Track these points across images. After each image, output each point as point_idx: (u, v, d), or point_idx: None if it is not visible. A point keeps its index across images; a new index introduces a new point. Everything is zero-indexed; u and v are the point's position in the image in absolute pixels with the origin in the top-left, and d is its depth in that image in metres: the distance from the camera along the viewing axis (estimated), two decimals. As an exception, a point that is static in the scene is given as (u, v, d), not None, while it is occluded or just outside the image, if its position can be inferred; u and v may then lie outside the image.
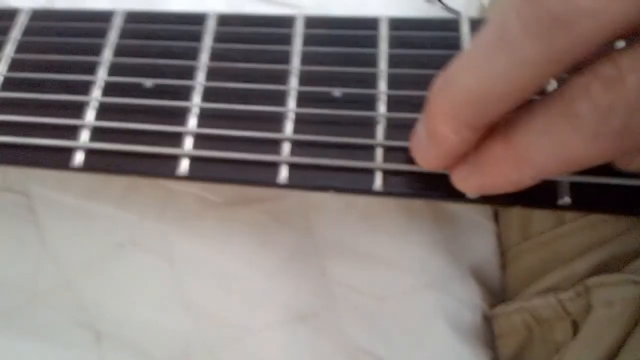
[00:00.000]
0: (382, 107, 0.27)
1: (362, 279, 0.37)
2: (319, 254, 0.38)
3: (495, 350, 0.37)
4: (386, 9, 0.43)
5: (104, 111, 0.28)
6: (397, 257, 0.38)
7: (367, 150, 0.26)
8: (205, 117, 0.28)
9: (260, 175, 0.27)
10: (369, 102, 0.28)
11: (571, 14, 0.17)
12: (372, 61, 0.29)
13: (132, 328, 0.36)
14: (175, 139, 0.27)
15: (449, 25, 0.30)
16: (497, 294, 0.39)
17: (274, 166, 0.27)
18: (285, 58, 0.29)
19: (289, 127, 0.27)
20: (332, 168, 0.26)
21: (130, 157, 0.27)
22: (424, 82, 0.24)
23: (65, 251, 0.37)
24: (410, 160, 0.25)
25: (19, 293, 0.36)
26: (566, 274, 0.34)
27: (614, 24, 0.17)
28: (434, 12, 0.45)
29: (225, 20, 0.30)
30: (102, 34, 0.30)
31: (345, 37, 0.29)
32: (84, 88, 0.29)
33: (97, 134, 0.28)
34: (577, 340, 0.32)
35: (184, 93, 0.28)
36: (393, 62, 0.29)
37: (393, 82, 0.28)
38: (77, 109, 0.28)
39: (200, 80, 0.29)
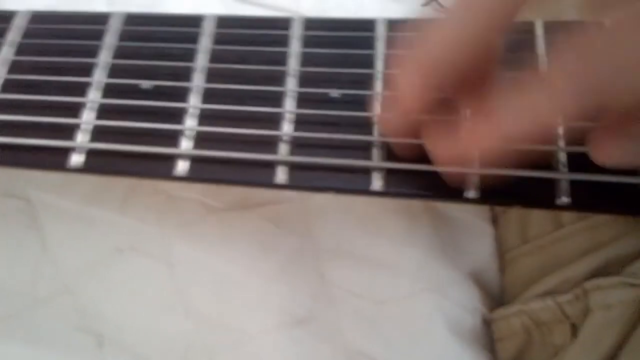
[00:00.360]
0: (379, 108, 0.27)
1: (361, 283, 0.37)
2: (318, 258, 0.38)
3: (495, 354, 0.37)
4: (383, 11, 0.43)
5: (102, 112, 0.28)
6: (396, 260, 0.38)
7: (366, 151, 0.26)
8: (204, 118, 0.28)
9: (258, 175, 0.27)
10: (367, 103, 0.28)
11: None
12: (369, 62, 0.29)
13: (132, 332, 0.36)
14: (174, 139, 0.27)
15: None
16: (496, 298, 0.39)
17: (273, 166, 0.27)
18: (283, 59, 0.29)
19: (287, 128, 0.27)
20: (330, 168, 0.26)
21: (129, 158, 0.27)
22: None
23: (65, 256, 0.37)
24: (409, 160, 0.25)
25: (19, 298, 0.36)
26: (565, 277, 0.34)
27: None
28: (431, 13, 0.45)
29: (223, 22, 0.31)
30: (100, 36, 0.30)
31: (343, 38, 0.30)
32: (83, 90, 0.29)
33: (96, 134, 0.28)
34: (576, 343, 0.32)
35: (182, 94, 0.28)
36: (390, 63, 0.29)
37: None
38: (76, 111, 0.28)
39: (198, 81, 0.29)
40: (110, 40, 0.30)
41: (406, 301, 0.37)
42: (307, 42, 0.30)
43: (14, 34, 0.31)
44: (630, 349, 0.29)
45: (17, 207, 0.38)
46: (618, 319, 0.30)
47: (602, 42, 0.19)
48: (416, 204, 0.39)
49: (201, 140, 0.27)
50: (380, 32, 0.30)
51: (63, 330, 0.36)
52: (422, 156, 0.25)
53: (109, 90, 0.29)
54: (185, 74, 0.29)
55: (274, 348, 0.36)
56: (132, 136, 0.27)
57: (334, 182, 0.26)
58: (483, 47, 0.22)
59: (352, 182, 0.26)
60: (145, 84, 0.29)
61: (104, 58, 0.30)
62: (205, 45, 0.30)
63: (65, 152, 0.27)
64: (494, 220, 0.40)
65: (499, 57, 0.25)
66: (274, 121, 0.27)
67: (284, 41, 0.30)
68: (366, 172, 0.26)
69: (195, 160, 0.27)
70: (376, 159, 0.26)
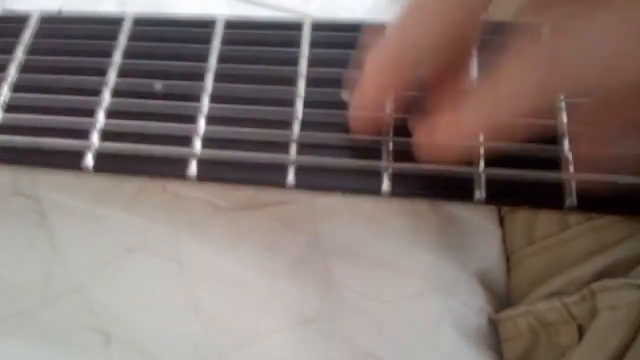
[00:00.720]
0: (388, 109, 0.28)
1: (369, 283, 0.37)
2: (326, 259, 0.38)
3: (501, 354, 0.37)
4: (389, 12, 0.44)
5: (114, 113, 0.28)
6: (403, 261, 0.38)
7: (375, 152, 0.27)
8: (214, 119, 0.28)
9: (268, 176, 0.27)
10: (376, 104, 0.28)
11: None
12: None
13: (141, 331, 0.36)
14: (185, 140, 0.27)
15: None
16: (502, 298, 0.39)
17: (282, 167, 0.27)
18: (293, 61, 0.29)
19: (297, 129, 0.27)
20: (339, 169, 0.27)
21: (140, 159, 0.27)
22: (432, 84, 0.25)
23: (75, 255, 0.37)
24: (418, 161, 0.25)
25: (29, 296, 0.36)
26: (571, 278, 0.34)
27: None
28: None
29: (233, 24, 0.31)
30: (112, 37, 0.31)
31: (352, 40, 0.30)
32: (94, 90, 0.29)
33: (108, 135, 0.28)
34: (583, 344, 0.32)
35: (193, 95, 0.29)
36: None
37: None
38: (88, 111, 0.28)
39: (209, 83, 0.29)
40: (121, 41, 0.31)
41: (413, 301, 0.37)
42: (317, 43, 0.30)
43: (26, 35, 0.31)
44: (636, 350, 0.29)
45: (26, 206, 0.39)
46: (624, 320, 0.30)
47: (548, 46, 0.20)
48: (423, 206, 0.39)
49: (212, 141, 0.27)
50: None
51: (71, 329, 0.36)
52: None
53: (121, 91, 0.29)
54: (196, 75, 0.29)
55: (282, 348, 0.36)
56: (144, 137, 0.28)
57: (343, 183, 0.27)
58: (452, 45, 0.23)
59: (361, 183, 0.26)
60: (157, 85, 0.29)
61: (116, 59, 0.30)
62: (216, 46, 0.30)
63: (78, 153, 0.28)
64: (501, 221, 0.40)
65: (469, 51, 0.25)
66: (284, 122, 0.28)
67: (294, 42, 0.30)
68: (375, 173, 0.26)
69: (206, 161, 0.27)
70: (384, 160, 0.26)
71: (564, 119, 0.27)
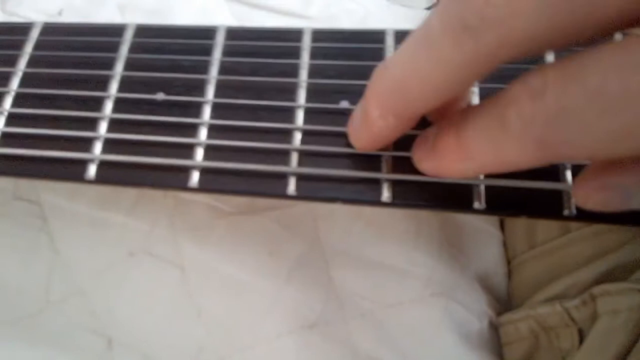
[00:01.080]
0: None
1: (369, 287, 0.37)
2: (327, 262, 0.38)
3: (502, 358, 0.37)
4: (389, 16, 0.44)
5: (115, 124, 0.29)
6: (404, 265, 0.38)
7: (375, 162, 0.27)
8: (215, 130, 0.28)
9: (269, 186, 0.27)
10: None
11: (477, 22, 0.18)
12: None
13: (143, 335, 0.36)
14: (186, 151, 0.28)
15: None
16: (503, 302, 0.39)
17: (283, 177, 0.27)
18: (293, 71, 0.29)
19: (297, 139, 0.27)
20: (339, 179, 0.27)
21: (142, 169, 0.28)
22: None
23: (77, 259, 0.38)
24: (418, 171, 0.26)
25: (31, 301, 0.37)
26: (572, 283, 0.34)
27: (518, 38, 0.18)
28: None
29: (234, 34, 0.31)
30: (113, 48, 0.31)
31: (353, 50, 0.30)
32: (96, 102, 0.29)
33: (109, 146, 0.28)
34: (583, 348, 0.32)
35: (194, 106, 0.29)
36: None
37: None
38: (89, 122, 0.29)
39: (210, 93, 0.29)
40: (123, 52, 0.31)
41: (414, 305, 0.37)
42: (317, 53, 0.30)
43: (27, 46, 0.31)
44: (637, 354, 0.29)
45: (29, 210, 0.39)
46: (625, 324, 0.30)
47: (564, 81, 0.18)
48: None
49: (213, 151, 0.28)
50: (390, 43, 0.30)
51: (73, 333, 0.36)
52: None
53: (122, 102, 0.29)
54: (197, 86, 0.29)
55: (283, 352, 0.36)
56: (146, 147, 0.28)
57: (344, 192, 0.27)
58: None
59: (362, 193, 0.27)
60: (158, 95, 0.29)
61: (117, 70, 0.30)
62: (217, 56, 0.30)
63: (80, 164, 0.28)
64: (501, 226, 0.41)
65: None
66: (284, 132, 0.28)
67: (294, 52, 0.30)
68: (375, 183, 0.27)
69: (207, 172, 0.27)
70: (384, 170, 0.27)
71: None
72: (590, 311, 0.33)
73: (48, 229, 0.38)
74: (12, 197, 0.39)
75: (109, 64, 0.30)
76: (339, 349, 0.36)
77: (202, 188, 0.27)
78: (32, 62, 0.31)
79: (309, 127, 0.28)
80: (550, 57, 0.28)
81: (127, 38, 0.31)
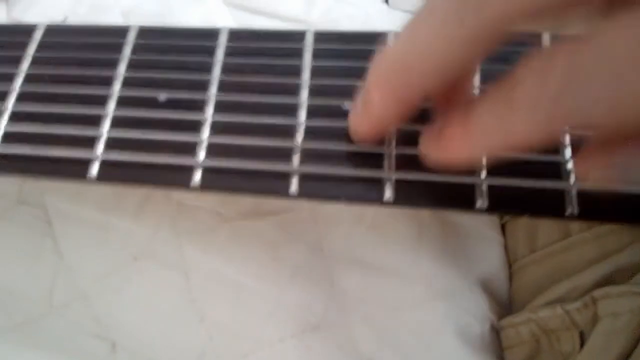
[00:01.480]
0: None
1: (371, 291, 0.37)
2: (329, 266, 0.38)
3: (503, 361, 0.37)
4: (390, 20, 0.44)
5: (118, 124, 0.29)
6: (406, 269, 0.38)
7: (378, 161, 0.27)
8: (218, 129, 0.28)
9: (271, 185, 0.27)
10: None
11: None
12: None
13: (146, 340, 0.36)
14: (189, 150, 0.28)
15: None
16: (504, 306, 0.39)
17: (286, 177, 0.27)
18: (295, 72, 0.29)
19: (300, 139, 0.28)
20: (342, 178, 0.27)
21: (145, 168, 0.28)
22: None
23: (80, 263, 0.38)
24: (421, 170, 0.26)
25: (35, 305, 0.37)
26: (573, 286, 0.34)
27: (520, 10, 0.18)
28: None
29: (236, 35, 0.31)
30: (116, 49, 0.31)
31: (355, 51, 0.30)
32: (99, 101, 0.29)
33: (112, 145, 0.28)
34: (584, 351, 0.32)
35: (197, 106, 0.29)
36: None
37: None
38: (93, 121, 0.29)
39: (212, 93, 0.29)
40: (126, 52, 0.31)
41: (416, 308, 0.37)
42: (319, 54, 0.30)
43: (32, 46, 0.31)
44: (638, 356, 0.29)
45: (33, 214, 0.39)
46: (626, 327, 0.30)
47: (569, 60, 0.18)
48: (426, 213, 0.39)
49: (216, 150, 0.28)
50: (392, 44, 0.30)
51: (77, 337, 0.36)
52: None
53: (125, 102, 0.29)
54: (200, 86, 0.29)
55: (286, 355, 0.36)
56: (149, 146, 0.28)
57: (346, 192, 0.27)
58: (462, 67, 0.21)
59: (364, 192, 0.27)
60: (161, 96, 0.29)
61: (120, 70, 0.30)
62: (219, 57, 0.30)
63: (83, 162, 0.28)
64: (503, 230, 0.41)
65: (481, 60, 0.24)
66: (287, 132, 0.28)
67: (296, 53, 0.30)
68: (377, 182, 0.27)
69: (210, 171, 0.27)
70: (387, 169, 0.27)
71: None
72: (591, 314, 0.32)
73: (52, 233, 0.38)
74: (17, 202, 0.39)
75: (112, 65, 0.30)
76: (341, 353, 0.36)
77: (205, 187, 0.27)
78: (35, 63, 0.31)
79: (311, 126, 0.28)
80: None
81: (130, 39, 0.31)
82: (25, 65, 0.31)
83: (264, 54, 0.30)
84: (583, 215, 0.25)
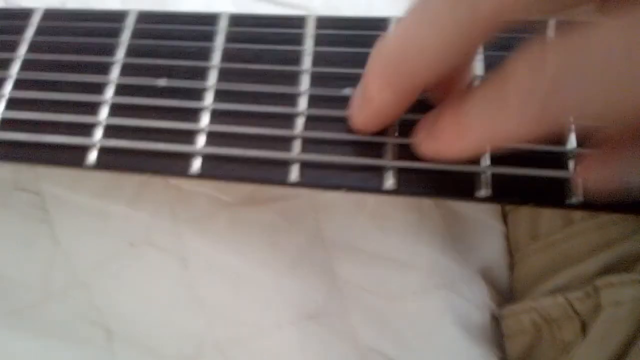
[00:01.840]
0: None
1: (371, 279, 0.37)
2: (329, 254, 0.38)
3: (504, 350, 0.37)
4: (392, 7, 0.43)
5: (117, 110, 0.28)
6: (406, 257, 0.38)
7: (379, 149, 0.27)
8: (218, 116, 0.28)
9: (272, 173, 0.27)
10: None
11: None
12: None
13: (143, 327, 0.36)
14: (188, 137, 0.27)
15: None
16: (505, 294, 0.39)
17: (286, 164, 0.27)
18: (296, 58, 0.29)
19: (300, 126, 0.27)
20: (343, 167, 0.27)
21: (144, 155, 0.27)
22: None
23: (77, 250, 0.37)
24: (422, 159, 0.25)
25: (32, 291, 0.36)
26: (575, 275, 0.34)
27: (516, 6, 0.18)
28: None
29: (237, 20, 0.31)
30: (115, 34, 0.31)
31: (357, 37, 0.30)
32: (97, 87, 0.29)
33: (111, 132, 0.28)
34: (586, 340, 0.32)
35: (197, 92, 0.28)
36: None
37: None
38: (91, 108, 0.28)
39: (212, 80, 0.29)
40: (125, 38, 0.30)
41: (416, 297, 0.37)
42: (321, 40, 0.30)
43: (29, 31, 0.31)
44: (640, 345, 0.29)
45: (29, 200, 0.39)
46: (629, 316, 0.30)
47: (563, 54, 0.17)
48: (427, 201, 0.39)
49: (215, 138, 0.27)
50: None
51: (73, 324, 0.36)
52: None
53: (124, 88, 0.29)
54: (200, 72, 0.29)
55: (285, 343, 0.36)
56: (147, 133, 0.28)
57: (347, 180, 0.27)
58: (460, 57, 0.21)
59: (365, 181, 0.26)
60: (160, 81, 0.29)
61: (119, 56, 0.30)
62: (219, 43, 0.30)
63: (81, 149, 0.28)
64: (504, 218, 0.40)
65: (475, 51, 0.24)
66: (287, 119, 0.28)
67: (297, 40, 0.30)
68: (378, 170, 0.26)
69: (209, 158, 0.27)
70: (388, 158, 0.26)
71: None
72: (593, 303, 0.32)
73: (49, 220, 0.38)
74: (13, 188, 0.39)
75: (111, 50, 0.30)
76: (340, 340, 0.36)
77: (204, 175, 0.27)
78: (33, 48, 0.31)
79: (312, 113, 0.28)
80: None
81: (129, 24, 0.31)
82: (22, 50, 0.30)
83: (265, 40, 0.30)
84: (586, 205, 0.25)
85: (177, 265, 0.37)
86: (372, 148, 0.27)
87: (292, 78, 0.29)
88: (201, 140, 0.27)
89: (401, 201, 0.39)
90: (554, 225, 0.36)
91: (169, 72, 0.29)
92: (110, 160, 0.28)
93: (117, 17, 0.31)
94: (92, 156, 0.28)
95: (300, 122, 0.27)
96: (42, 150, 0.28)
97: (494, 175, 0.26)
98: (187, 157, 0.27)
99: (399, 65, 0.21)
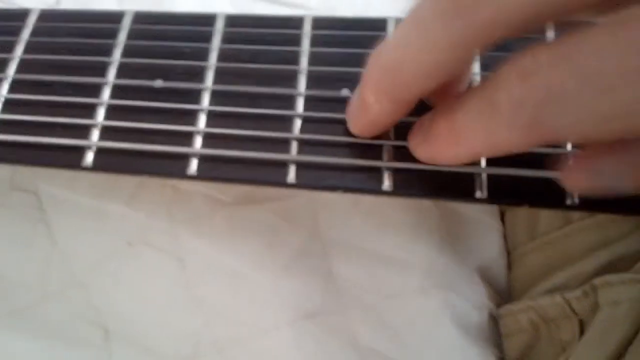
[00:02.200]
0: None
1: (369, 278, 0.37)
2: (326, 253, 0.38)
3: (502, 350, 0.37)
4: (391, 6, 0.43)
5: (113, 111, 0.28)
6: (404, 256, 0.38)
7: (376, 150, 0.26)
8: (215, 118, 0.28)
9: (269, 174, 0.27)
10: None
11: (468, 1, 0.18)
12: None
13: (141, 326, 0.36)
14: (185, 138, 0.27)
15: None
16: (503, 294, 0.39)
17: (283, 166, 0.27)
18: (293, 58, 0.29)
19: (297, 127, 0.27)
20: (341, 168, 0.27)
21: (140, 157, 0.27)
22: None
23: (75, 250, 0.37)
24: (419, 160, 0.25)
25: (29, 291, 0.36)
26: (573, 274, 0.34)
27: (515, 13, 0.18)
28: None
29: (234, 21, 0.31)
30: (111, 34, 0.31)
31: (353, 37, 0.30)
32: (94, 88, 0.29)
33: (107, 133, 0.28)
34: (584, 339, 0.32)
35: (193, 94, 0.28)
36: None
37: None
38: (87, 109, 0.28)
39: (209, 80, 0.29)
40: (121, 38, 0.30)
41: (414, 296, 0.37)
42: (318, 41, 0.30)
43: (25, 32, 0.31)
44: (638, 345, 0.29)
45: (26, 200, 0.39)
46: (626, 315, 0.30)
47: (552, 64, 0.17)
48: (425, 201, 0.39)
49: (212, 139, 0.27)
50: (391, 31, 0.30)
51: (71, 324, 0.36)
52: None
53: (121, 89, 0.29)
54: (197, 73, 0.29)
55: (283, 343, 0.36)
56: (144, 135, 0.28)
57: (344, 181, 0.26)
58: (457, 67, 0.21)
59: (363, 182, 0.26)
60: (157, 82, 0.29)
61: (116, 57, 0.30)
62: (216, 44, 0.30)
63: (78, 150, 0.28)
64: (502, 217, 0.40)
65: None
66: (284, 120, 0.28)
67: (294, 40, 0.30)
68: (376, 171, 0.26)
69: (206, 160, 0.27)
70: (385, 159, 0.26)
71: None
72: (591, 302, 0.32)
73: (46, 220, 0.38)
74: (10, 188, 0.39)
75: (107, 51, 0.30)
76: (338, 340, 0.36)
77: (201, 176, 0.27)
78: (29, 49, 0.31)
79: (310, 114, 0.27)
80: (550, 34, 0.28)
81: (126, 25, 0.31)
82: (18, 51, 0.30)
83: (262, 40, 0.30)
84: (583, 206, 0.25)
85: (175, 265, 0.37)
86: (369, 149, 0.27)
87: (289, 78, 0.29)
88: (198, 142, 0.27)
89: (399, 201, 0.39)
90: (552, 224, 0.36)
91: (165, 73, 0.29)
92: (107, 161, 0.28)
93: (114, 18, 0.31)
94: (89, 158, 0.27)
95: (297, 123, 0.27)
96: (38, 152, 0.28)
97: (490, 177, 0.26)
98: (184, 159, 0.27)
99: (395, 76, 0.21)
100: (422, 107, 0.25)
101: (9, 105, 0.29)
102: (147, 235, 0.38)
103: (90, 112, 0.28)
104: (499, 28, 0.18)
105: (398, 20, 0.30)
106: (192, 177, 0.27)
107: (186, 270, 0.37)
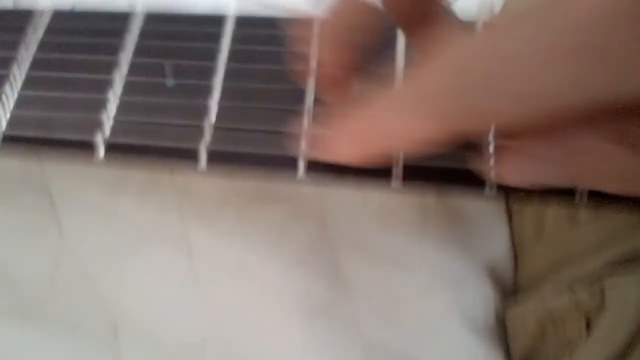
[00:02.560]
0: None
1: (377, 276, 0.37)
2: (335, 251, 0.38)
3: (509, 348, 0.37)
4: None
5: (124, 109, 0.29)
6: (411, 255, 0.38)
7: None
8: (225, 113, 0.28)
9: (279, 170, 0.27)
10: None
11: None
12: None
13: (149, 322, 0.36)
14: (195, 134, 0.28)
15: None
16: (510, 293, 0.39)
17: (293, 161, 0.27)
18: (303, 57, 0.29)
19: (307, 123, 0.28)
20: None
21: (151, 152, 0.28)
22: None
23: (84, 245, 0.38)
24: (427, 155, 0.26)
25: (37, 287, 0.37)
26: (580, 273, 0.34)
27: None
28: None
29: (244, 20, 0.31)
30: (123, 34, 0.31)
31: None
32: (105, 86, 0.29)
33: (119, 130, 0.28)
34: (591, 338, 0.32)
35: (204, 91, 0.29)
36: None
37: None
38: (99, 106, 0.29)
39: (219, 78, 0.29)
40: (132, 37, 0.31)
41: (421, 295, 0.37)
42: None
43: (38, 31, 0.31)
44: (645, 344, 0.29)
45: (36, 196, 0.39)
46: (633, 314, 0.30)
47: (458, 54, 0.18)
48: (431, 199, 0.39)
49: (222, 134, 0.28)
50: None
51: (80, 319, 0.36)
52: None
53: (131, 88, 0.29)
54: (207, 71, 0.29)
55: (290, 339, 0.36)
56: (155, 131, 0.28)
57: (354, 176, 0.27)
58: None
59: (372, 177, 0.27)
60: (168, 80, 0.29)
61: (127, 55, 0.30)
62: (226, 43, 0.30)
63: (89, 146, 0.28)
64: (509, 215, 0.40)
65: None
66: (294, 117, 0.28)
67: (304, 39, 0.30)
68: (385, 166, 0.27)
69: (217, 155, 0.27)
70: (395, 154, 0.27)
71: None
72: (598, 301, 0.32)
73: (55, 215, 0.38)
74: (20, 183, 0.39)
75: (119, 50, 0.30)
76: (345, 337, 0.36)
77: (211, 171, 0.27)
78: (42, 47, 0.31)
79: (319, 110, 0.28)
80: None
81: (137, 23, 0.31)
82: (31, 49, 0.31)
83: (271, 40, 0.30)
84: (592, 202, 0.25)
85: (184, 260, 0.37)
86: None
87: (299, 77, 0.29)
88: (208, 137, 0.28)
89: (406, 200, 0.39)
90: (559, 222, 0.36)
91: (176, 71, 0.29)
92: (118, 157, 0.28)
93: (125, 18, 0.32)
94: (101, 153, 0.28)
95: (306, 119, 0.28)
96: (51, 147, 0.28)
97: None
98: (194, 154, 0.27)
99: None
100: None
101: (23, 100, 0.29)
102: (157, 231, 0.38)
103: (103, 109, 0.29)
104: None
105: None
106: (201, 172, 0.27)
107: (195, 266, 0.37)
